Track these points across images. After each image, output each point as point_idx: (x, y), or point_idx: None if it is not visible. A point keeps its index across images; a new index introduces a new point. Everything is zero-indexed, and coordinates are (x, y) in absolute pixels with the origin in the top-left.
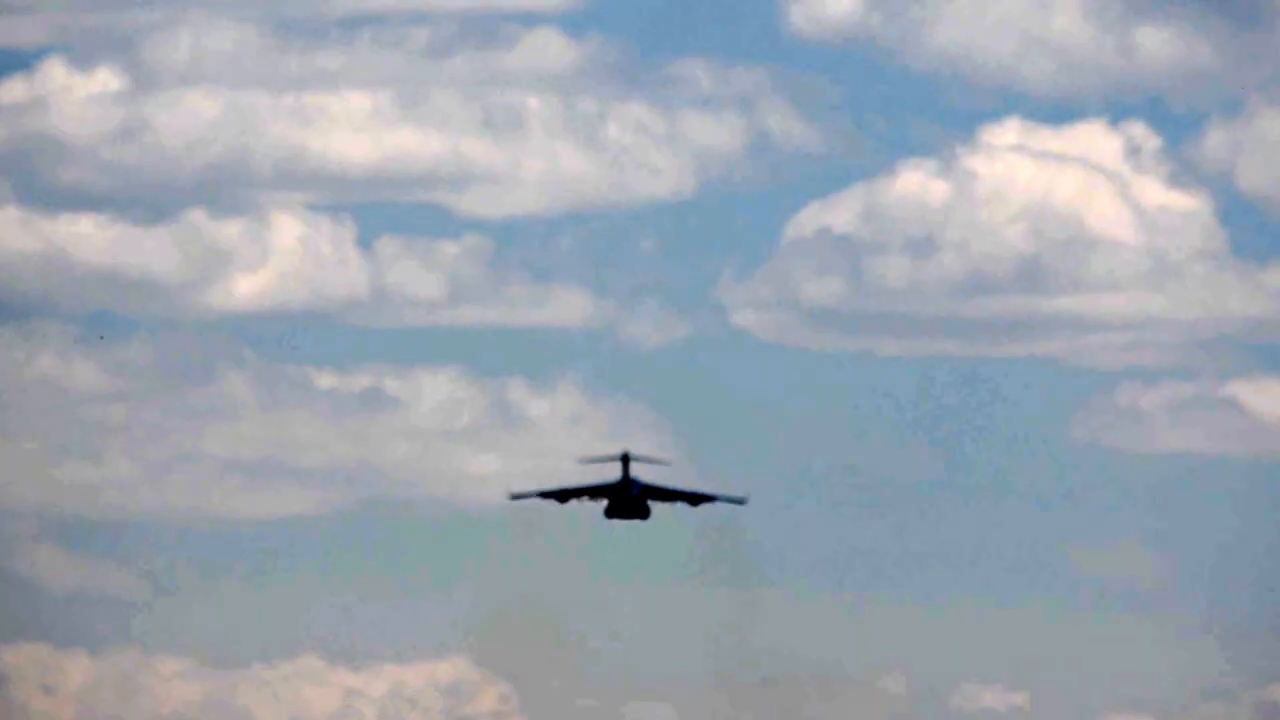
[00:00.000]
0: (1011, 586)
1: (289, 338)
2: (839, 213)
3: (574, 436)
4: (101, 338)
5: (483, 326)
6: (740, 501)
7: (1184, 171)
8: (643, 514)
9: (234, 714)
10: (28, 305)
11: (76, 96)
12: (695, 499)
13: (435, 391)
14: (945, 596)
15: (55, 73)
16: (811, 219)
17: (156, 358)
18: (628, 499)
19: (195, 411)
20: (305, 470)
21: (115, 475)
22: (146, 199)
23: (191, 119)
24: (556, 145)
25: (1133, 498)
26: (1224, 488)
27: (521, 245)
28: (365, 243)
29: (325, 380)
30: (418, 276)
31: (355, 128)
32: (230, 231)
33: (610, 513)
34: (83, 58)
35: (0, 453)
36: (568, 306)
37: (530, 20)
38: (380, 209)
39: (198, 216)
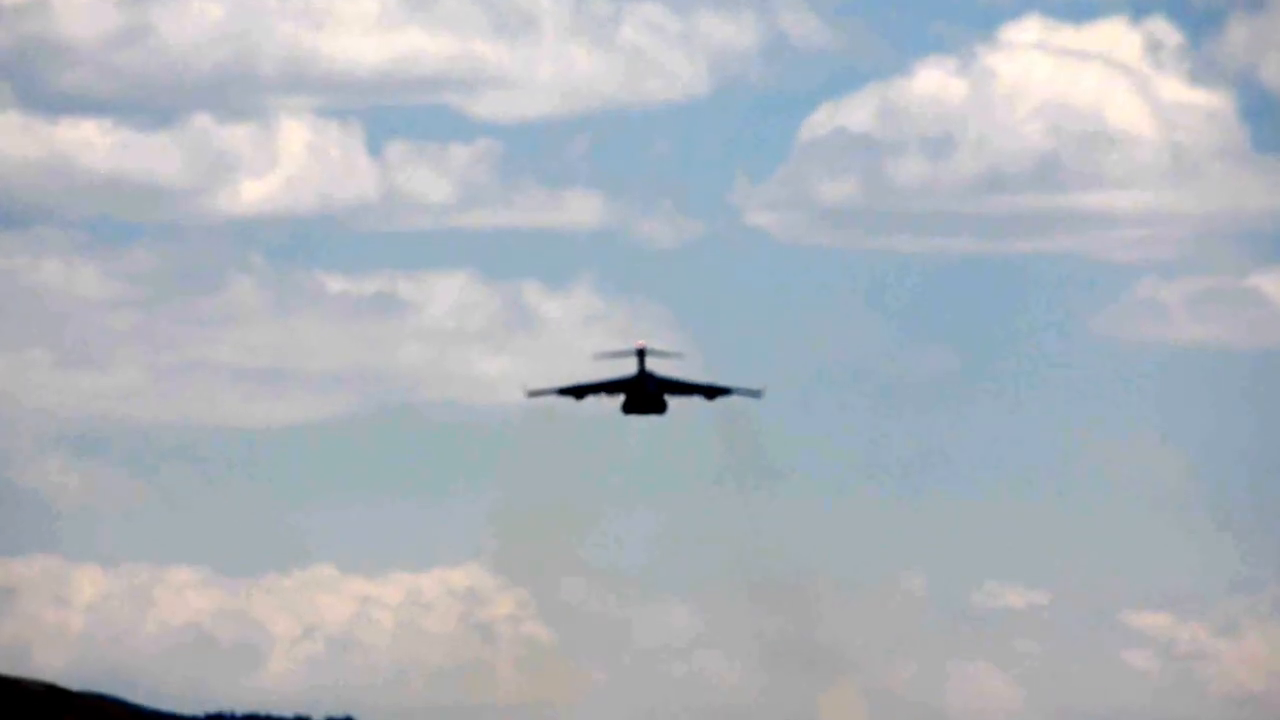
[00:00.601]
0: (1032, 483)
1: (300, 242)
2: (855, 113)
3: (589, 336)
4: None
5: (496, 229)
6: (756, 394)
7: (1205, 68)
8: (659, 409)
9: (248, 624)
10: (29, 212)
11: None
12: (711, 392)
13: (449, 294)
14: (962, 493)
15: None
16: (827, 119)
17: (163, 264)
18: (645, 394)
19: (204, 318)
20: (317, 375)
21: (124, 384)
22: (151, 103)
23: (197, 21)
24: (570, 46)
25: (1153, 391)
26: (1244, 380)
27: (534, 148)
28: (374, 147)
29: (336, 285)
30: (429, 180)
31: (364, 29)
32: (237, 136)
33: (628, 408)
34: None
35: (7, 363)
36: (582, 208)
37: None
38: (390, 112)
39: (204, 121)
